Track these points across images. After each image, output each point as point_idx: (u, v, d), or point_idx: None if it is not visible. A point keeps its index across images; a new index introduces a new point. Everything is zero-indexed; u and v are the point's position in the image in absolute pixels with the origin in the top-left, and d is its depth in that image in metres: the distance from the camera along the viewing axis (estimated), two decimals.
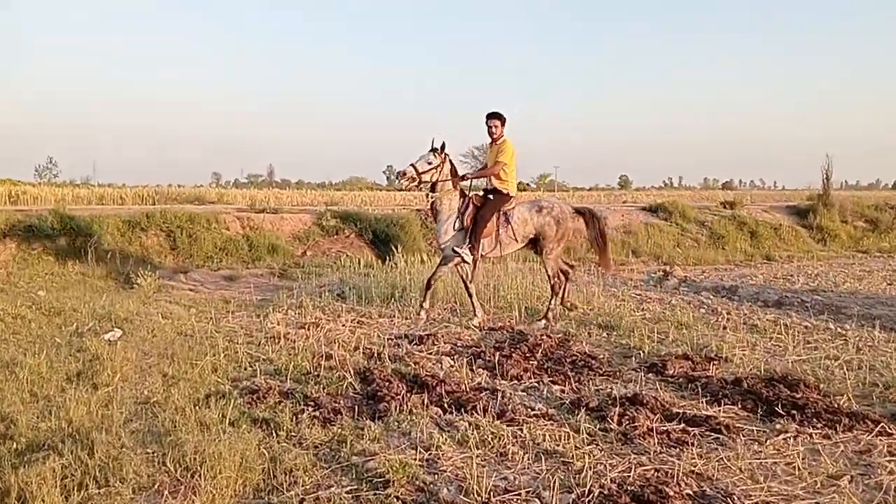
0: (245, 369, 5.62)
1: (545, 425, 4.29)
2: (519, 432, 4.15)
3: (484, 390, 5.10)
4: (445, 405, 4.68)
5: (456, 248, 7.49)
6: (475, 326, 7.44)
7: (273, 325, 7.39)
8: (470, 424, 4.25)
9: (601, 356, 6.16)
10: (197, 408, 4.46)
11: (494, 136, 7.66)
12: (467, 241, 7.49)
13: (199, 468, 3.38)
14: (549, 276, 7.86)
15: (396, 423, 4.29)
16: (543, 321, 7.62)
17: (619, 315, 7.74)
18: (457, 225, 7.61)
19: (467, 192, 7.83)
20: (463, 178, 7.72)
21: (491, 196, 7.71)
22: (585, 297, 8.97)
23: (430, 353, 6.21)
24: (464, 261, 7.53)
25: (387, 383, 5.10)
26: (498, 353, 6.05)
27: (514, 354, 6.07)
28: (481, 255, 7.68)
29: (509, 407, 4.62)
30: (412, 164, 7.44)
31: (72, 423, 4.06)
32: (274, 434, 4.07)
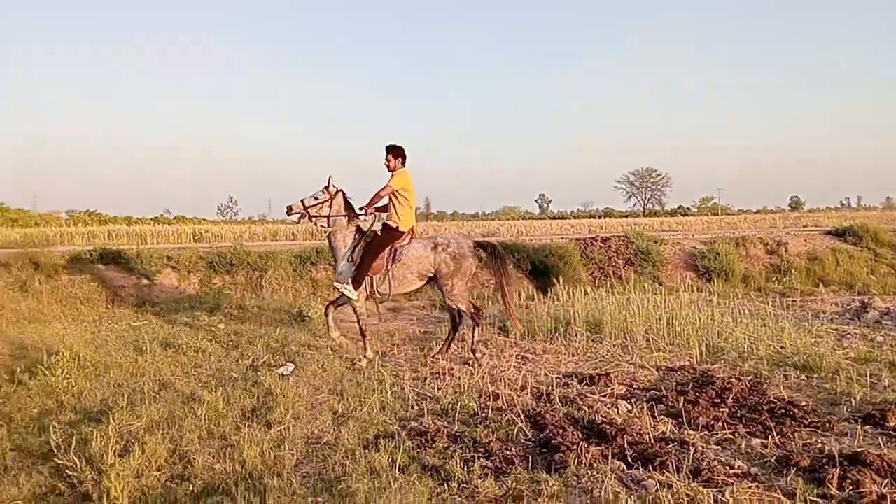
0: (412, 408, 5.46)
1: (750, 488, 3.72)
2: (720, 496, 3.62)
3: (671, 442, 4.58)
4: (629, 459, 4.23)
5: (336, 284, 7.38)
6: (361, 367, 7.09)
7: (436, 360, 7.25)
8: (661, 484, 3.78)
9: (803, 403, 5.40)
10: (366, 450, 4.32)
11: (390, 168, 7.40)
12: (350, 277, 7.27)
13: None
14: (461, 311, 7.55)
15: (576, 479, 3.90)
16: (477, 353, 7.40)
17: (818, 354, 6.85)
18: (349, 263, 7.38)
19: (365, 229, 7.59)
20: (356, 214, 7.51)
21: (378, 231, 7.49)
22: (773, 332, 8.09)
23: (605, 396, 5.76)
24: (347, 297, 7.29)
25: (560, 430, 4.73)
26: (682, 398, 5.49)
27: (700, 399, 5.47)
28: (374, 292, 7.41)
29: (703, 463, 4.09)
30: (301, 199, 7.39)
31: (245, 465, 4.04)
32: (445, 485, 3.82)
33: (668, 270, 15.77)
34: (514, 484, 3.81)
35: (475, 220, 53.57)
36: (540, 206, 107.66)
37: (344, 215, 7.41)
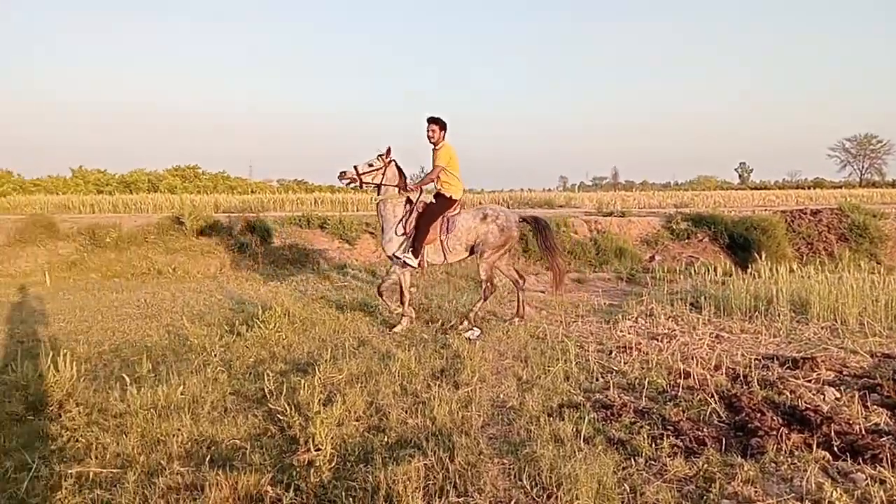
0: (597, 380, 5.40)
1: None
2: None
3: (885, 434, 4.15)
4: (835, 449, 3.89)
5: (398, 254, 7.42)
6: (397, 332, 7.30)
7: (623, 334, 7.09)
8: (872, 479, 3.44)
9: None
10: (551, 418, 4.35)
11: (433, 141, 7.45)
12: (409, 246, 7.38)
13: (554, 489, 3.21)
14: (481, 279, 7.61)
15: (774, 465, 3.66)
16: (465, 322, 7.49)
17: None
18: (399, 231, 7.46)
19: (414, 199, 7.62)
20: (406, 186, 7.57)
21: (434, 200, 7.58)
22: None
23: (809, 381, 5.31)
24: (407, 265, 7.42)
25: (758, 414, 4.44)
26: None
27: None
28: (427, 264, 7.54)
29: None
30: (354, 166, 7.44)
31: (435, 422, 4.23)
32: (632, 460, 3.75)
33: (888, 248, 14.16)
34: (706, 465, 3.65)
35: (667, 191, 51.21)
36: (740, 176, 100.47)
37: (395, 185, 7.51)
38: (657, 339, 6.87)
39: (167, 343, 6.81)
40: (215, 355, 6.09)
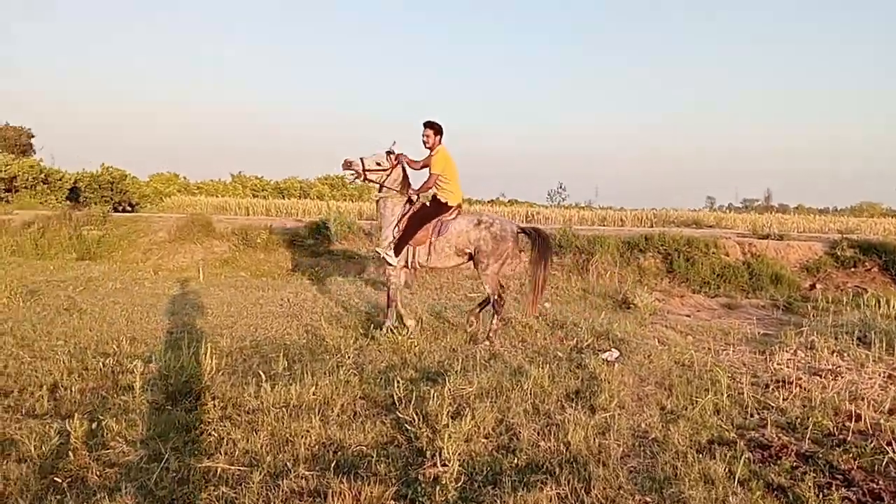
0: (751, 416, 4.88)
1: None
2: None
3: None
4: None
5: (378, 249, 7.43)
6: (380, 335, 6.97)
7: (780, 367, 6.44)
8: None
9: None
10: (699, 455, 3.94)
11: (428, 146, 7.33)
12: (392, 244, 7.32)
13: None
14: (489, 293, 7.37)
15: None
16: (487, 342, 7.09)
17: None
18: (396, 231, 7.38)
19: (414, 200, 7.54)
20: (408, 192, 7.45)
21: (427, 204, 7.53)
22: None
23: None
24: (386, 262, 7.37)
25: None
26: None
27: None
28: (417, 265, 7.41)
29: None
30: (362, 158, 7.27)
31: (569, 448, 3.94)
32: None
33: None
34: None
35: (826, 216, 47.44)
36: None
37: (397, 190, 7.37)
38: (819, 375, 6.18)
39: (305, 342, 6.93)
40: (349, 357, 6.10)
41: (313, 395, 4.75)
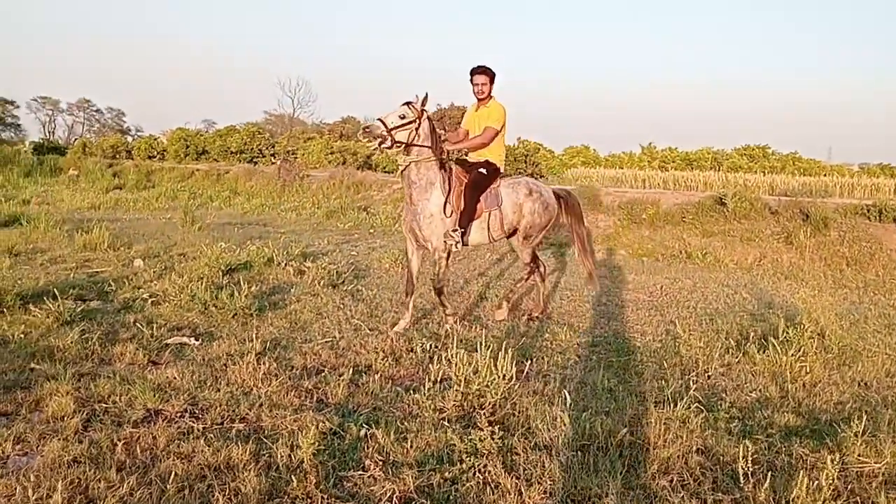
0: None
1: None
2: None
3: None
4: None
5: (452, 233, 5.79)
6: (398, 331, 5.73)
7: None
8: None
9: None
10: None
11: (482, 97, 6.08)
12: (456, 224, 5.82)
13: None
14: (529, 263, 6.53)
15: None
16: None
17: None
18: (438, 203, 5.77)
19: (447, 163, 5.97)
20: (441, 148, 5.89)
21: (483, 171, 6.05)
22: None
23: None
24: (450, 245, 5.82)
25: None
26: None
27: None
28: (464, 246, 6.04)
29: None
30: (380, 119, 5.55)
31: None
32: None
33: None
34: None
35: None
36: None
37: (428, 146, 5.75)
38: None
39: (656, 348, 5.63)
40: (702, 378, 4.66)
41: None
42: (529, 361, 4.64)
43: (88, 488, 2.77)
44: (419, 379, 4.42)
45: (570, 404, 3.74)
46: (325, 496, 2.83)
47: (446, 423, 3.63)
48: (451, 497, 2.89)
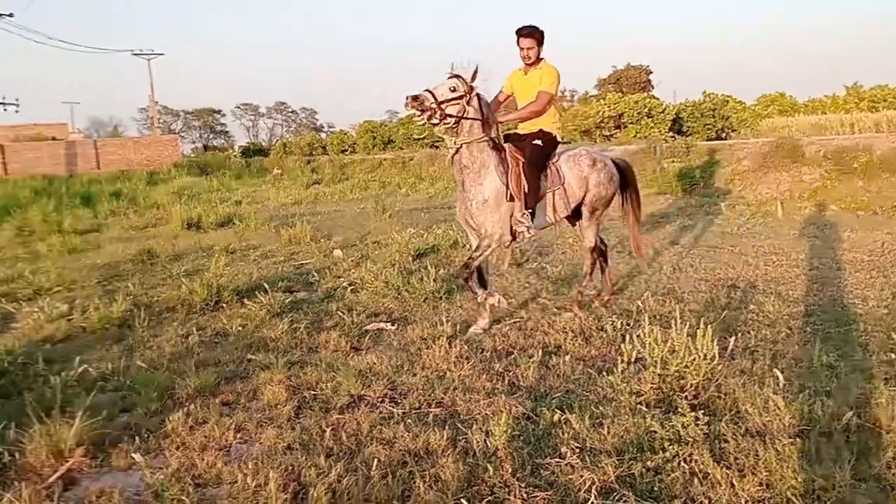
0: None
1: None
2: None
3: None
4: None
5: (520, 219, 5.16)
6: (476, 332, 5.14)
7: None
8: None
9: None
10: None
11: (531, 61, 5.37)
12: (522, 208, 5.16)
13: None
14: (593, 246, 5.80)
15: None
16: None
17: None
18: (496, 186, 5.13)
19: (499, 142, 5.33)
20: (492, 122, 5.22)
21: (539, 142, 5.35)
22: None
23: None
24: (520, 232, 5.24)
25: None
26: None
27: None
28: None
29: None
30: (428, 90, 4.89)
31: None
32: None
33: None
34: None
35: None
36: None
37: (480, 120, 5.11)
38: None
39: (882, 315, 5.01)
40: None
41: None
42: (734, 337, 4.30)
43: (300, 475, 2.96)
44: (612, 360, 4.26)
45: (784, 385, 3.42)
46: (523, 485, 2.81)
47: (644, 408, 3.46)
48: (654, 488, 2.74)
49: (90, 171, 32.82)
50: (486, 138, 5.18)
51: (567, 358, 4.38)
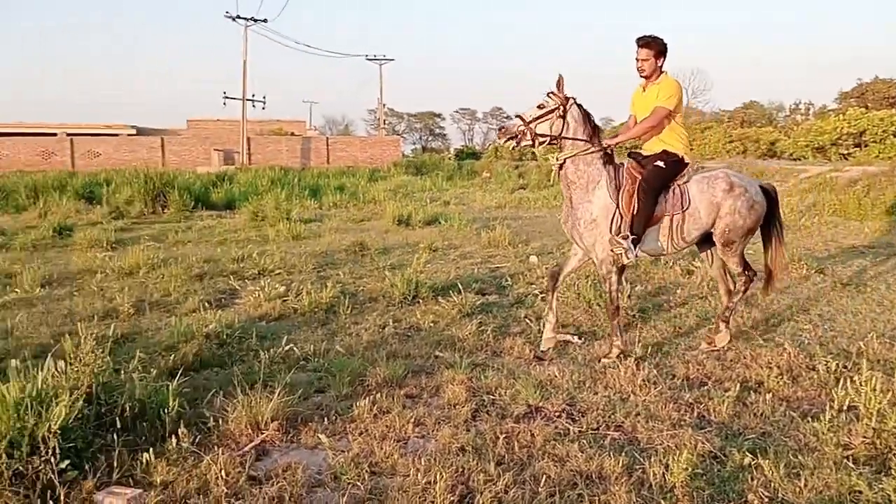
0: None
1: None
2: None
3: None
4: None
5: (618, 240, 4.72)
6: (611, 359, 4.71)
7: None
8: None
9: None
10: None
11: (645, 74, 4.95)
12: (627, 230, 4.72)
13: None
14: (743, 274, 5.14)
15: None
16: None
17: None
18: (604, 206, 4.77)
19: (614, 156, 4.98)
20: (600, 138, 4.91)
21: (661, 163, 4.82)
22: None
23: None
24: (623, 257, 4.76)
25: None
26: None
27: None
28: (643, 256, 5.11)
29: None
30: (518, 115, 4.84)
31: None
32: None
33: None
34: None
35: None
36: None
37: (583, 139, 4.76)
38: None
39: None
40: None
41: None
42: None
43: (469, 479, 2.98)
44: (820, 404, 3.80)
45: None
46: None
47: (851, 464, 3.05)
48: None
49: (321, 165, 36.10)
50: (593, 150, 4.85)
51: (768, 396, 3.98)
